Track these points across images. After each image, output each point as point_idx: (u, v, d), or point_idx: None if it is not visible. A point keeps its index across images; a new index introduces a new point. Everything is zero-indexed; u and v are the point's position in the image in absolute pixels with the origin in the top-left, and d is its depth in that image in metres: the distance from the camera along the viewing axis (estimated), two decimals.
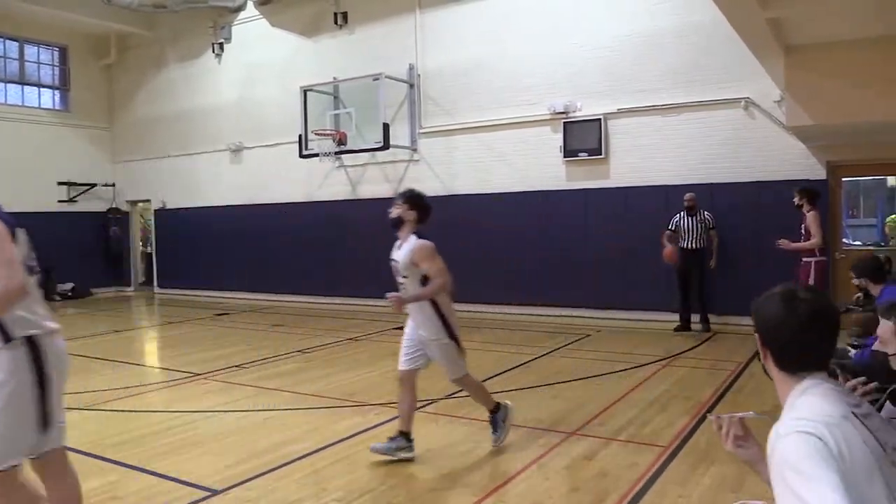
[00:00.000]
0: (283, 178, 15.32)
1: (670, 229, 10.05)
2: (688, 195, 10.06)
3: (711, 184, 10.48)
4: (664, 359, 8.16)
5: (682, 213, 10.09)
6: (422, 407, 6.27)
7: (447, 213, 12.90)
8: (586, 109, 11.57)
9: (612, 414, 5.94)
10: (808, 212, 8.13)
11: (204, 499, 4.33)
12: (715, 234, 10.08)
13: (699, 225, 9.97)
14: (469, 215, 12.66)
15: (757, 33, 6.94)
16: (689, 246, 9.95)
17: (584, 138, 11.55)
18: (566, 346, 9.26)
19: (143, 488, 4.53)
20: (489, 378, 7.39)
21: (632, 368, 7.71)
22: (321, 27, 14.68)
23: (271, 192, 15.55)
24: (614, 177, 11.34)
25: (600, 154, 11.40)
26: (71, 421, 6.31)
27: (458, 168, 12.96)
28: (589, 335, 9.97)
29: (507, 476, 4.57)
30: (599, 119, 11.38)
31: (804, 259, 8.10)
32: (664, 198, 10.71)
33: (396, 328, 11.01)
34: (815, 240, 7.94)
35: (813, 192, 8.35)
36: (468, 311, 12.43)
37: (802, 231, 8.17)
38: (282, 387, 7.21)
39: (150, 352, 10.78)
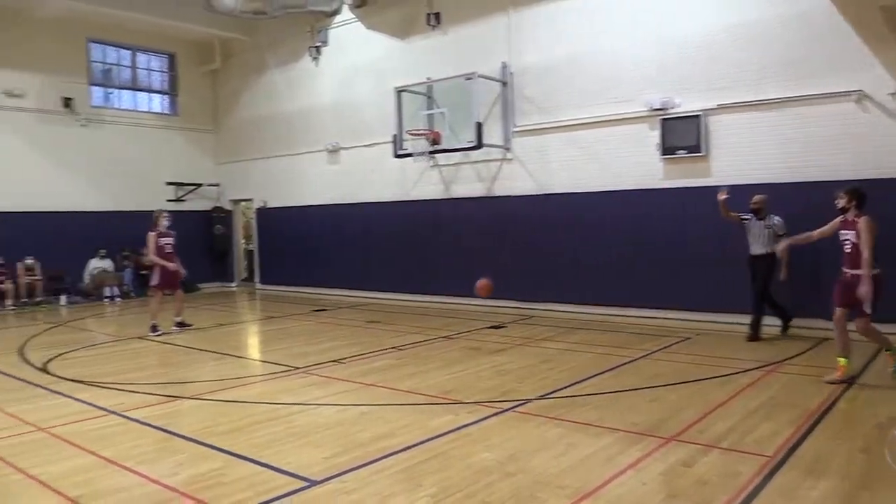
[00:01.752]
0: (378, 178, 15.60)
1: (742, 217, 9.52)
2: (756, 197, 9.41)
3: (818, 181, 9.93)
4: (768, 364, 7.83)
5: (750, 216, 9.46)
6: (514, 407, 6.27)
7: (540, 213, 12.87)
8: (685, 105, 11.22)
9: (712, 420, 5.76)
10: (857, 217, 6.78)
11: (303, 488, 4.47)
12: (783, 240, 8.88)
13: (766, 230, 9.27)
14: (562, 214, 12.54)
15: (869, 22, 6.55)
16: (756, 251, 9.31)
17: (682, 135, 11.21)
18: (664, 348, 9.02)
19: (247, 475, 4.72)
20: (585, 379, 7.30)
21: (733, 374, 7.44)
22: (414, 28, 14.85)
23: (367, 191, 15.86)
24: (715, 175, 10.95)
25: (699, 151, 11.04)
26: (182, 409, 6.68)
27: (551, 167, 12.84)
28: (688, 338, 9.68)
29: (603, 479, 4.50)
30: (699, 115, 11.02)
31: (852, 272, 6.78)
32: (768, 196, 10.26)
33: (490, 327, 11.06)
34: (866, 253, 6.57)
35: (863, 193, 6.92)
36: (561, 312, 12.33)
37: (849, 239, 6.82)
38: (377, 382, 7.35)
39: (253, 345, 11.19)
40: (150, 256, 11.28)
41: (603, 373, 7.63)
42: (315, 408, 6.43)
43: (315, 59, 16.97)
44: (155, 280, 11.38)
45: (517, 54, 13.20)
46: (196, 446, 5.38)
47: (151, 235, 11.18)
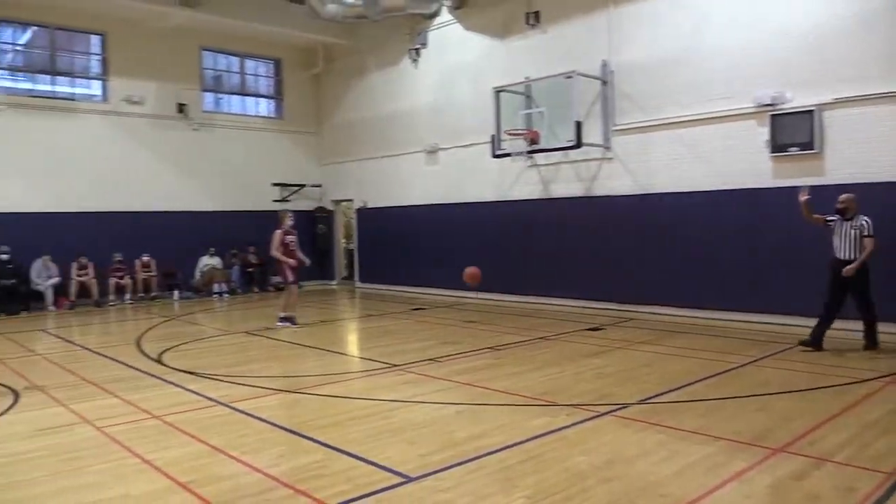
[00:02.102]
0: (476, 178, 15.65)
1: (828, 220, 8.88)
2: (842, 196, 8.70)
3: None
4: (887, 375, 7.36)
5: (836, 218, 8.78)
6: (613, 411, 6.14)
7: (641, 213, 12.57)
8: (797, 100, 10.69)
9: (824, 432, 5.45)
10: None
11: (399, 484, 4.52)
12: (870, 241, 8.46)
13: (853, 231, 8.57)
14: (664, 215, 12.21)
15: None
16: (842, 255, 8.62)
17: (794, 132, 10.67)
18: (773, 355, 8.62)
19: (345, 469, 4.82)
20: (687, 385, 7.08)
21: (848, 384, 7.03)
22: (513, 28, 14.81)
23: (465, 191, 15.95)
24: (830, 173, 10.37)
25: (813, 148, 10.49)
26: (285, 402, 6.89)
27: (653, 166, 12.51)
28: (797, 345, 9.21)
29: (705, 490, 4.33)
30: (812, 110, 10.46)
31: None
32: (889, 195, 9.63)
33: (588, 329, 10.89)
34: None
35: None
36: (661, 315, 12.00)
37: None
38: (473, 382, 7.37)
39: (352, 342, 11.45)
40: (274, 252, 11.78)
41: (706, 379, 7.37)
42: (411, 405, 6.51)
43: (414, 61, 17.21)
44: (289, 276, 11.90)
45: (617, 51, 12.94)
46: (297, 438, 5.55)
47: (278, 233, 11.75)
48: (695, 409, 6.21)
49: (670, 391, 6.83)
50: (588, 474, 4.62)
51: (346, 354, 9.97)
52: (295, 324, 11.77)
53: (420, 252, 17.02)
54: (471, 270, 11.26)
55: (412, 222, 17.22)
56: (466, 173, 15.94)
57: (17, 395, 7.26)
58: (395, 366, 8.33)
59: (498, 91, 13.88)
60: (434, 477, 4.63)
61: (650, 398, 6.58)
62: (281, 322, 11.84)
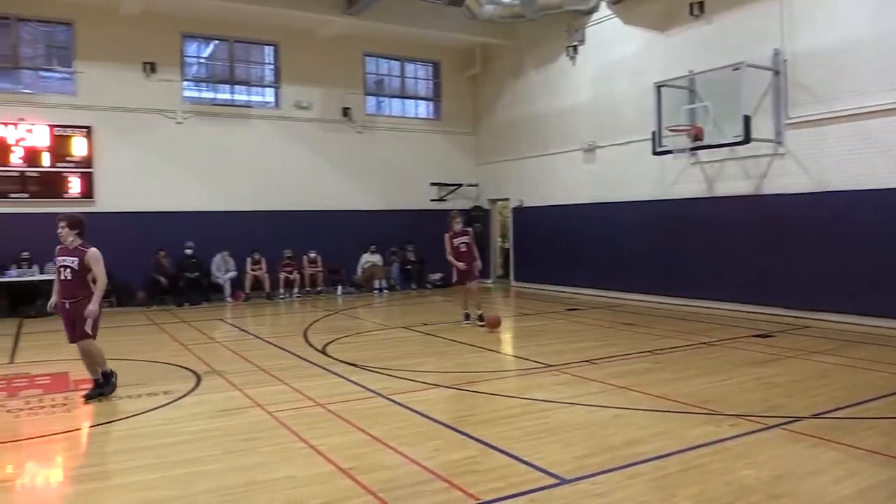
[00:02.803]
0: (635, 176, 15.21)
1: None
2: None
3: None
4: None
5: None
6: (782, 424, 5.75)
7: (818, 213, 11.67)
8: None
9: None
10: None
11: (554, 485, 4.47)
12: None
13: None
14: (843, 214, 11.25)
15: None
16: None
17: None
18: None
19: (499, 466, 4.84)
20: (869, 400, 6.49)
21: None
22: (675, 19, 14.24)
23: (623, 190, 15.54)
24: None
25: None
26: (441, 397, 7.00)
27: (830, 162, 11.57)
28: None
29: None
30: None
31: None
32: None
33: (756, 335, 10.27)
34: None
35: None
36: (839, 322, 11.09)
37: None
38: (631, 385, 7.15)
39: (507, 340, 11.48)
40: (447, 256, 11.84)
41: (892, 395, 6.72)
42: (567, 406, 6.43)
43: (572, 58, 16.99)
44: (453, 277, 12.05)
45: (791, 40, 12.09)
46: (452, 433, 5.64)
47: (447, 237, 11.76)
48: (876, 426, 5.68)
49: (848, 406, 6.29)
50: (755, 489, 4.35)
51: (500, 353, 10.01)
52: (467, 321, 11.79)
53: (576, 251, 16.78)
54: (494, 321, 11.39)
55: (568, 221, 17.01)
56: (625, 171, 15.52)
57: (199, 378, 7.91)
58: (550, 366, 8.27)
59: (659, 86, 13.39)
60: (590, 480, 4.54)
61: (825, 412, 6.10)
62: (467, 321, 11.82)
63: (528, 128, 18.65)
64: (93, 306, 6.80)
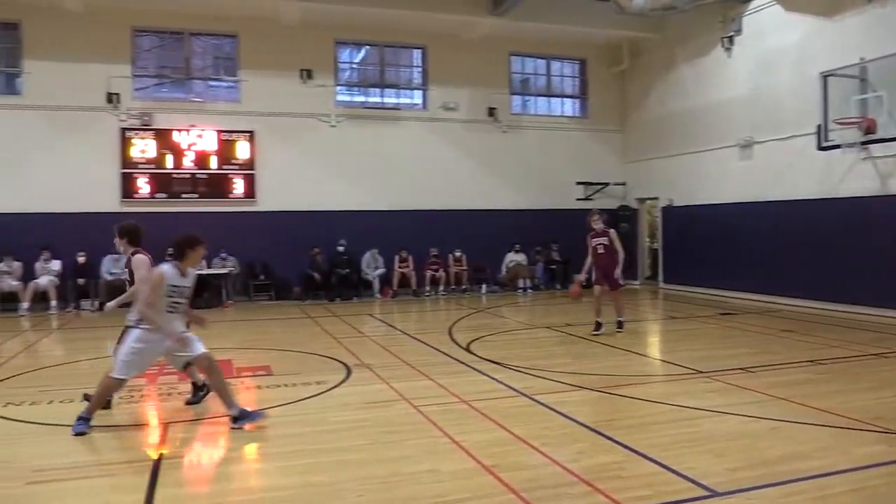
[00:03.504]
0: (797, 173, 14.25)
1: None
2: None
3: None
4: None
5: None
6: None
7: None
8: None
9: None
10: None
11: (704, 497, 4.28)
12: None
13: None
14: None
15: None
16: None
17: None
18: None
19: (645, 474, 4.69)
20: None
21: None
22: (844, 4, 13.18)
23: (783, 187, 14.59)
24: None
25: None
26: (586, 399, 6.88)
27: None
28: None
29: None
30: None
31: None
32: None
33: None
34: None
35: None
36: None
37: None
38: (790, 397, 6.69)
39: (654, 344, 11.13)
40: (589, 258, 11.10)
41: None
42: (718, 415, 6.12)
43: (727, 49, 16.19)
44: (591, 278, 11.29)
45: None
46: (596, 437, 5.53)
47: (589, 237, 11.05)
48: None
49: None
50: None
51: (647, 356, 9.72)
52: (597, 330, 10.78)
53: (730, 253, 15.95)
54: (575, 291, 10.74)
55: (722, 221, 16.19)
56: (785, 168, 14.56)
57: (349, 370, 8.24)
58: (701, 372, 7.91)
59: (826, 76, 12.47)
60: (744, 495, 4.30)
61: None
62: (596, 330, 10.84)
63: (678, 124, 17.94)
64: (111, 303, 6.94)
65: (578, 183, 19.60)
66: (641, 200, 20.00)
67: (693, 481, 4.51)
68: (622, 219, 19.63)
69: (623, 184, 20.04)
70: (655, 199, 19.23)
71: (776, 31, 14.91)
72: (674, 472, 4.69)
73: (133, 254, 6.71)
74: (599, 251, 10.98)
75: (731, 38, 16.06)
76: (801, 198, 14.12)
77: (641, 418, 6.12)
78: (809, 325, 11.62)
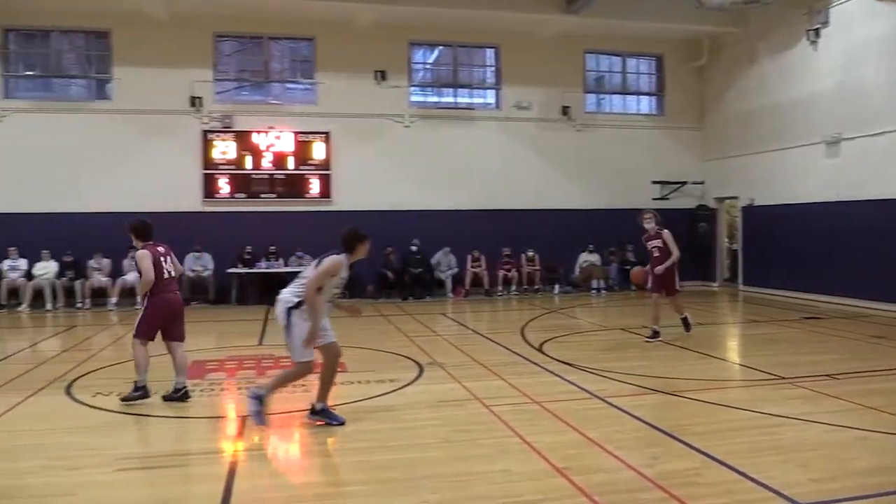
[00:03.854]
0: (887, 171, 13.58)
1: None
2: None
3: None
4: None
5: None
6: None
7: None
8: None
9: None
10: None
11: None
12: None
13: None
14: None
15: None
16: None
17: None
18: None
19: (723, 481, 4.56)
20: None
21: None
22: None
23: (874, 186, 13.92)
24: None
25: None
26: (661, 403, 6.74)
27: None
28: None
29: None
30: None
31: None
32: None
33: None
34: None
35: None
36: None
37: None
38: (881, 406, 6.37)
39: (732, 348, 10.80)
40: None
41: None
42: (801, 423, 5.89)
43: (813, 42, 15.55)
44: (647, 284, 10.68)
45: None
46: (672, 442, 5.40)
47: (643, 239, 10.52)
48: None
49: None
50: None
51: (725, 360, 9.44)
52: (652, 338, 10.05)
53: (814, 255, 15.33)
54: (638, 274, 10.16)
55: (806, 222, 15.57)
56: (876, 166, 13.90)
57: (421, 369, 8.30)
58: (783, 378, 7.63)
59: None
60: None
61: None
62: (651, 337, 10.16)
63: (760, 120, 17.35)
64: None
65: (654, 182, 19.20)
66: (720, 200, 19.43)
67: (774, 490, 4.36)
68: (700, 218, 19.15)
69: (701, 182, 19.51)
70: (735, 198, 18.65)
71: (866, 22, 14.25)
72: (753, 480, 4.54)
73: (142, 247, 6.90)
74: (655, 255, 10.28)
75: (817, 31, 15.42)
76: (892, 197, 13.45)
77: (719, 424, 5.96)
78: None
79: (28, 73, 16.46)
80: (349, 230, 6.00)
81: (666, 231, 10.37)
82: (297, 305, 5.71)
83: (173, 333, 7.03)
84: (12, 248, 15.20)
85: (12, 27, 16.21)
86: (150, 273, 6.73)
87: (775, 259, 16.64)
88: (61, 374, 8.04)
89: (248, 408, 5.84)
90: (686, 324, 10.47)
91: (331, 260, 5.75)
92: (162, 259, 6.89)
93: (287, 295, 5.84)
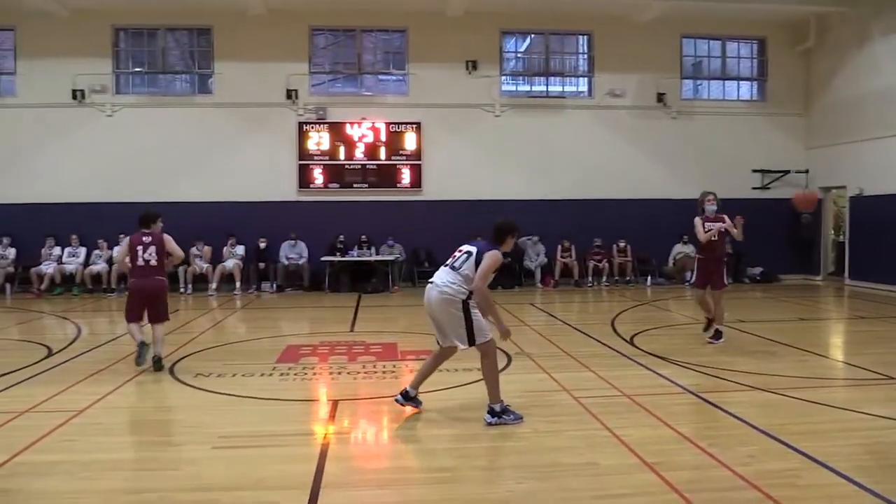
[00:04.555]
0: None
1: None
2: None
3: None
4: None
5: None
6: None
7: None
8: None
9: None
10: None
11: None
12: None
13: None
14: None
15: None
16: None
17: None
18: None
19: (825, 485, 4.37)
20: None
21: None
22: None
23: None
24: None
25: None
26: (757, 400, 6.50)
27: None
28: None
29: None
30: None
31: None
32: None
33: None
34: None
35: None
36: None
37: None
38: None
39: (836, 345, 10.29)
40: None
41: None
42: None
43: None
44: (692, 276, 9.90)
45: None
46: (770, 441, 5.20)
47: (697, 220, 9.41)
48: None
49: None
50: None
51: (828, 358, 8.98)
52: (715, 340, 9.25)
53: None
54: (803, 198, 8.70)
55: None
56: None
57: (509, 358, 8.28)
58: (891, 378, 7.21)
59: None
60: None
61: None
62: (711, 339, 9.31)
63: (871, 105, 16.34)
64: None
65: (755, 171, 18.44)
66: (826, 189, 18.47)
67: (879, 496, 4.13)
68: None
69: (806, 171, 18.57)
70: (843, 187, 17.70)
71: None
72: (857, 484, 4.31)
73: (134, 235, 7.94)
74: (714, 238, 9.26)
75: None
76: None
77: (820, 424, 5.69)
78: None
79: (136, 69, 17.30)
80: (503, 222, 6.06)
81: (724, 215, 9.35)
82: (470, 297, 5.74)
83: (150, 315, 7.81)
84: (121, 234, 16.07)
85: (121, 26, 17.09)
86: (119, 258, 8.26)
87: (885, 252, 15.70)
88: (165, 355, 8.46)
89: (490, 421, 5.66)
90: (717, 334, 9.29)
91: (493, 256, 5.78)
92: (139, 247, 7.73)
93: (450, 288, 5.75)
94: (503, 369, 7.72)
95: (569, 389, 6.74)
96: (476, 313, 5.75)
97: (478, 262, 5.75)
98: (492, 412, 5.70)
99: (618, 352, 8.74)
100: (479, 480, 4.50)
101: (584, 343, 9.42)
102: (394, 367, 7.90)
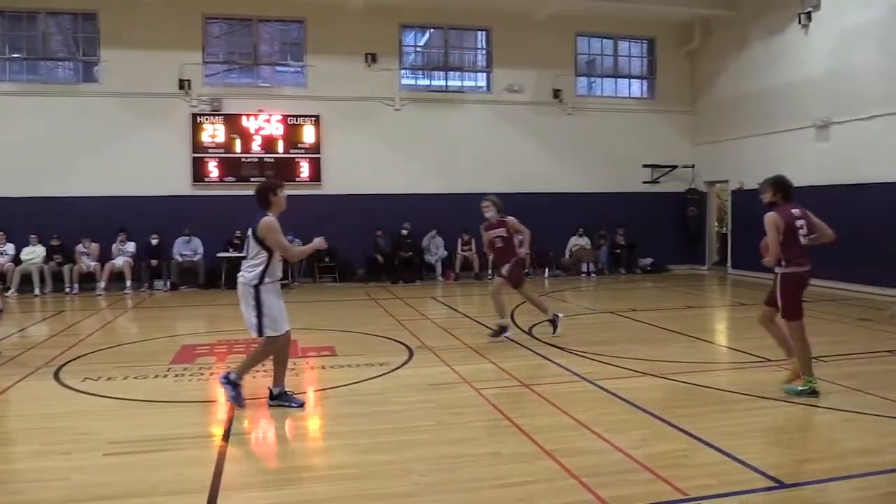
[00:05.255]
0: (880, 155, 13.62)
1: None
2: None
3: None
4: None
5: None
6: None
7: None
8: None
9: None
10: None
11: (770, 488, 4.19)
12: None
13: None
14: None
15: None
16: None
17: None
18: None
19: (709, 463, 4.61)
20: None
21: None
22: None
23: (864, 170, 13.96)
24: None
25: None
26: (649, 385, 6.79)
27: None
28: None
29: None
30: None
31: None
32: None
33: None
34: None
35: None
36: None
37: None
38: (866, 388, 6.43)
39: (720, 331, 10.88)
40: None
41: None
42: (788, 405, 5.95)
43: (804, 26, 15.53)
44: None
45: None
46: (660, 423, 5.45)
47: (482, 229, 9.96)
48: None
49: None
50: None
51: (714, 343, 9.51)
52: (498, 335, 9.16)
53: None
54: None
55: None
56: (867, 150, 13.93)
57: (411, 352, 8.31)
58: (770, 360, 7.69)
59: None
60: (812, 488, 4.19)
61: None
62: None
63: (751, 105, 17.35)
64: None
65: (645, 166, 19.21)
66: (711, 184, 19.48)
67: (759, 471, 4.41)
68: (690, 202, 19.21)
69: (692, 166, 19.54)
70: (725, 181, 18.71)
71: (859, 7, 14.22)
72: (740, 461, 4.59)
73: None
74: (497, 245, 9.63)
75: (808, 15, 15.39)
76: (884, 181, 13.50)
77: (707, 406, 6.00)
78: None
79: (14, 55, 16.22)
80: (260, 185, 6.36)
81: (510, 217, 9.69)
82: (262, 282, 5.80)
83: None
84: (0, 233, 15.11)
85: None
86: None
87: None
88: (50, 358, 8.02)
89: (225, 393, 5.99)
90: (553, 323, 9.38)
91: (266, 222, 5.89)
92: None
93: (245, 276, 5.90)
94: (404, 363, 7.75)
95: (470, 381, 6.83)
96: (267, 301, 5.80)
97: (257, 239, 5.86)
98: (227, 379, 6.00)
99: (517, 343, 8.91)
100: (383, 475, 4.49)
101: (484, 335, 9.54)
102: (294, 364, 7.77)
